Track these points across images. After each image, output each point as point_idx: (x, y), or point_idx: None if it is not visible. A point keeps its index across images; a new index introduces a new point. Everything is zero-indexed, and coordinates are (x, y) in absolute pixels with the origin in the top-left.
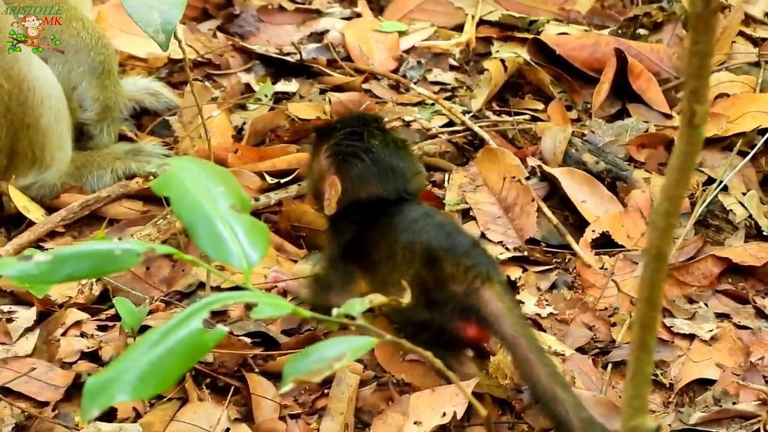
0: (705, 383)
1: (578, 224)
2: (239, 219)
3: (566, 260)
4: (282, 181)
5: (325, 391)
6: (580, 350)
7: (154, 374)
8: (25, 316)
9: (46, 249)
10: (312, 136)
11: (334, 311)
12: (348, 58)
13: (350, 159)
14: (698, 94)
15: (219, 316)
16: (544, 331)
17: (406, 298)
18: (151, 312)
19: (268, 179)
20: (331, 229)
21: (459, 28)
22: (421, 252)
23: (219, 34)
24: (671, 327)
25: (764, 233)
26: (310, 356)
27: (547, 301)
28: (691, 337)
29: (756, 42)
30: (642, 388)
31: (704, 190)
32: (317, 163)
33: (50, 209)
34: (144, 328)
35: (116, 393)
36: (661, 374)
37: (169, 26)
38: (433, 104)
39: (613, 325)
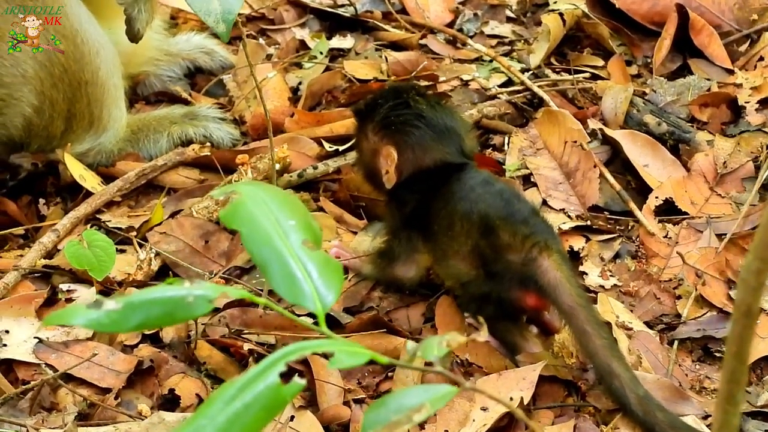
0: None
1: (641, 189)
2: (312, 256)
3: (629, 228)
4: (341, 148)
5: (389, 374)
6: (646, 324)
7: None
8: (85, 295)
9: (103, 221)
10: (354, 119)
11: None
12: (403, 11)
13: (405, 128)
14: None
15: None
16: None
17: (483, 336)
18: None
19: (326, 146)
20: (392, 202)
21: None
22: (478, 222)
23: None
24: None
25: None
26: (388, 405)
27: (611, 272)
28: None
29: None
30: None
31: None
32: (366, 143)
33: (106, 177)
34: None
35: None
36: (727, 340)
37: (230, 15)
38: (491, 61)
39: (678, 297)
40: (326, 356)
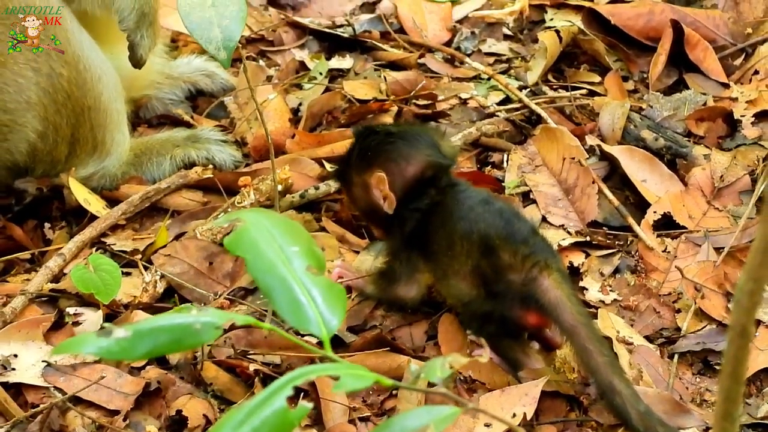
0: None
1: (639, 204)
2: (316, 282)
3: (628, 242)
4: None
5: (394, 392)
6: (646, 339)
7: None
8: (92, 318)
9: (108, 244)
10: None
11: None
12: (401, 30)
13: (380, 148)
14: None
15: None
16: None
17: (485, 358)
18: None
19: (328, 166)
20: (392, 223)
21: None
22: (479, 242)
23: (270, 8)
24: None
25: None
26: (393, 427)
27: (610, 286)
28: (756, 323)
29: None
30: None
31: (765, 165)
32: (355, 188)
33: (110, 201)
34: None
35: None
36: (723, 360)
37: (231, 43)
38: (489, 79)
39: (678, 311)
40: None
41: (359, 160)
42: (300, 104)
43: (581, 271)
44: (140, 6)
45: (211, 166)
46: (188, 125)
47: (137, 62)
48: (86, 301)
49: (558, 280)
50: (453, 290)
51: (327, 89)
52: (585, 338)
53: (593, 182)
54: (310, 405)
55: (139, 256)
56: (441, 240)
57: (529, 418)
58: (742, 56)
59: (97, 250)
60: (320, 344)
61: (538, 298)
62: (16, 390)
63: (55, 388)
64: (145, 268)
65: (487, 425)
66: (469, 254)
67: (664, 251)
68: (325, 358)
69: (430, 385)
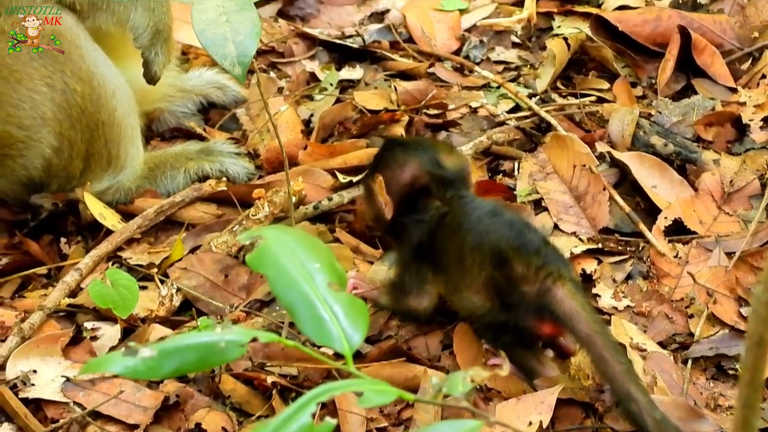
0: None
1: (650, 210)
2: (338, 298)
3: (640, 248)
4: (354, 179)
5: (411, 402)
6: (659, 344)
7: None
8: (110, 333)
9: (124, 258)
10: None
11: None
12: (410, 39)
13: (381, 154)
14: None
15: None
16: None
17: (505, 371)
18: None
19: (340, 177)
20: (398, 234)
21: (519, 3)
22: (490, 254)
23: (280, 20)
24: (748, 317)
25: None
26: None
27: (623, 293)
28: None
29: None
30: None
31: None
32: (366, 193)
33: (125, 214)
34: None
35: None
36: (740, 368)
37: (245, 58)
38: (498, 87)
39: (690, 316)
40: None
41: (370, 169)
42: (311, 115)
43: (594, 278)
44: (155, 24)
45: (224, 178)
46: (201, 138)
47: (151, 79)
48: (104, 316)
49: (572, 290)
50: (466, 303)
51: (338, 100)
52: (601, 347)
53: (604, 189)
54: (334, 421)
55: (155, 269)
56: (451, 253)
57: (545, 426)
58: (750, 60)
59: (113, 265)
60: (337, 355)
61: (553, 309)
62: (36, 405)
63: (75, 403)
64: (161, 282)
65: None
66: (482, 267)
67: (676, 257)
68: (345, 372)
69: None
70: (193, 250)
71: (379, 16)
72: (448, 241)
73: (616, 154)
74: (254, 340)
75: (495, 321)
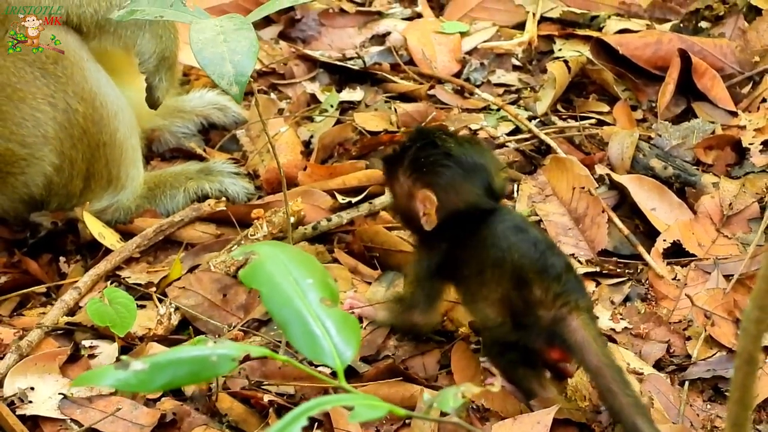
0: None
1: (649, 233)
2: (330, 314)
3: (638, 271)
4: (353, 200)
5: (407, 421)
6: (657, 366)
7: None
8: (107, 351)
9: (123, 277)
10: (383, 167)
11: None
12: (411, 62)
13: (435, 168)
14: None
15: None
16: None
17: (496, 387)
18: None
19: (339, 198)
20: (424, 247)
21: (520, 26)
22: (511, 272)
23: (281, 41)
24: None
25: None
26: None
27: (621, 315)
28: (765, 349)
29: None
30: None
31: None
32: (399, 187)
33: (124, 234)
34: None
35: None
36: (730, 387)
37: (243, 78)
38: (498, 109)
39: (688, 338)
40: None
41: (411, 164)
42: (311, 136)
43: (592, 299)
44: (162, 50)
45: (224, 198)
46: (201, 158)
47: (153, 103)
48: (102, 334)
49: (586, 321)
50: (479, 314)
51: (338, 121)
52: (610, 379)
53: (603, 211)
54: None
55: (154, 288)
56: (472, 264)
57: None
58: (750, 84)
59: (111, 284)
60: (334, 375)
61: (565, 338)
62: (33, 422)
63: (72, 420)
64: (160, 301)
65: None
66: (500, 282)
67: (674, 279)
68: (339, 389)
69: (443, 414)
70: (191, 270)
71: (380, 38)
72: (471, 252)
73: (616, 177)
74: (247, 355)
75: (504, 338)
